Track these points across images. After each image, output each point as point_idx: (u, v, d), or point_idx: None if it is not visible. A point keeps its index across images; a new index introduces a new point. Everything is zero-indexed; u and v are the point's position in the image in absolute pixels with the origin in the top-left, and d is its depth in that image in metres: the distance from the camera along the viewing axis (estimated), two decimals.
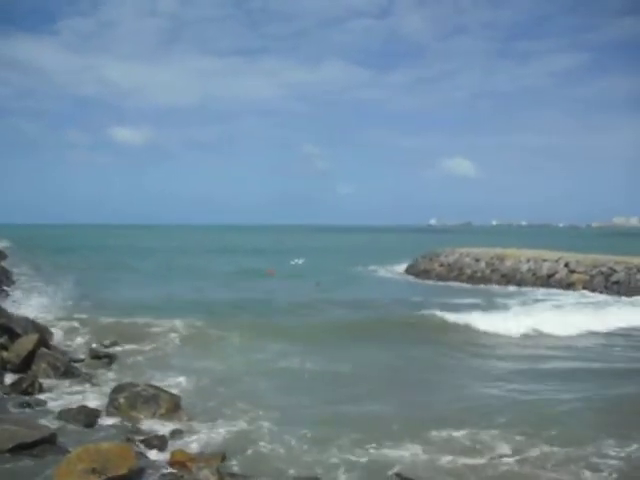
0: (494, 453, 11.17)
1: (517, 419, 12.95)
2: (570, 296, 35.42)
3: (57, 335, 20.16)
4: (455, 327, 24.22)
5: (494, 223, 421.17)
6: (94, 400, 13.52)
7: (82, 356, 17.82)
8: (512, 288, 40.18)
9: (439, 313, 25.67)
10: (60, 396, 13.82)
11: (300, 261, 67.51)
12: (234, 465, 10.47)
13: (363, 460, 10.81)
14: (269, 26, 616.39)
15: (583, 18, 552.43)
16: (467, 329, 24.02)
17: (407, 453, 11.11)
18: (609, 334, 24.43)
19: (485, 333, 23.68)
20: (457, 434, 12.02)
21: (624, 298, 34.10)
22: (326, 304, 30.62)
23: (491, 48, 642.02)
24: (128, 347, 19.30)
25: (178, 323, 22.03)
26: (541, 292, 37.82)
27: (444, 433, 12.05)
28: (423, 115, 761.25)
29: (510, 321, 24.98)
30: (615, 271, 38.06)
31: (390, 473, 10.25)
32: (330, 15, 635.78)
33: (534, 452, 11.22)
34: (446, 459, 10.88)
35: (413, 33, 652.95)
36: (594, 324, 25.33)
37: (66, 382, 15.06)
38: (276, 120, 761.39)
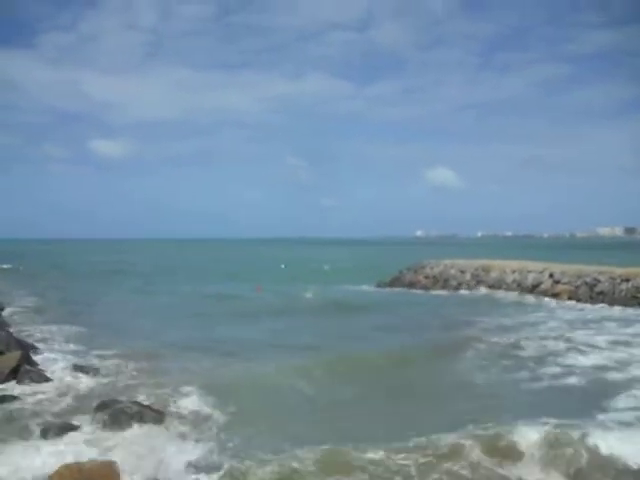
0: None
1: None
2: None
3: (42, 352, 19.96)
4: None
5: (479, 234, 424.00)
6: (77, 417, 13.38)
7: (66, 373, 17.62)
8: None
9: None
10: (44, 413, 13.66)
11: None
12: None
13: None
14: (249, 40, 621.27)
15: (562, 30, 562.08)
16: None
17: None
18: None
19: None
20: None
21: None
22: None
23: (472, 60, 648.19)
24: (113, 362, 19.17)
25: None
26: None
27: None
28: (407, 126, 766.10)
29: None
30: (599, 281, 38.33)
31: None
32: (309, 29, 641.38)
33: None
34: None
35: (393, 45, 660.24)
36: None
37: (50, 399, 14.92)
38: (258, 133, 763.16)
